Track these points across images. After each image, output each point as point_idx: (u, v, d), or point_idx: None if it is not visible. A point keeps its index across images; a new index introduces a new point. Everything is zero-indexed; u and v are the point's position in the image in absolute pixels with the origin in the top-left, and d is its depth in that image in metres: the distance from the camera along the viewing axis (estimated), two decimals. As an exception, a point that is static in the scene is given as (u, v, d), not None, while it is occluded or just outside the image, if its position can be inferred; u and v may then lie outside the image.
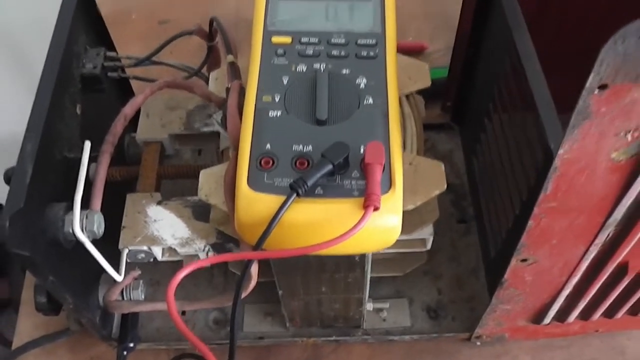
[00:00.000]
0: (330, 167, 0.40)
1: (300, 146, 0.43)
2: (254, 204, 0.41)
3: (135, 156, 0.64)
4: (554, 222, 0.43)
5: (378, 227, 0.41)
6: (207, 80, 0.60)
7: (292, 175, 0.41)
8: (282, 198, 0.40)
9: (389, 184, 0.42)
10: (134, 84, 0.68)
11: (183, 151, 0.75)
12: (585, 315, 0.60)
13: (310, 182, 0.40)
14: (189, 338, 0.41)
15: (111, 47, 0.64)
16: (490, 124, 0.63)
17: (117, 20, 0.92)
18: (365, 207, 0.39)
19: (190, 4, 0.97)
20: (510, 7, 0.54)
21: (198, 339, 0.41)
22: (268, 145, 0.43)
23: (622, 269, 0.51)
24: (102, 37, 0.62)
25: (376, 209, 0.39)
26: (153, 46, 0.62)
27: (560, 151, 0.36)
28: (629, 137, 0.36)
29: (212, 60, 0.63)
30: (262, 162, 0.42)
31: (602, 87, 0.32)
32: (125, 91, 0.67)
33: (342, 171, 0.41)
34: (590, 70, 0.31)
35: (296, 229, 0.41)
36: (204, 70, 0.64)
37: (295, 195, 0.39)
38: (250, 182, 0.41)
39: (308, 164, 0.42)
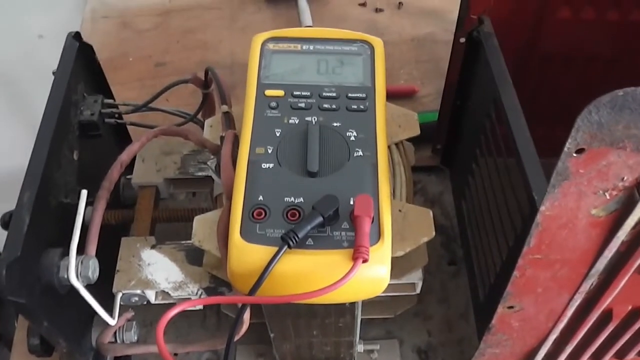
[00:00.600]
0: (320, 219, 0.42)
1: (292, 198, 0.44)
2: (247, 254, 0.42)
3: (130, 198, 0.66)
4: (538, 272, 0.45)
5: (366, 277, 0.42)
6: (202, 125, 0.62)
7: (283, 226, 0.42)
8: (274, 249, 0.41)
9: (377, 235, 0.43)
10: (131, 128, 0.70)
11: (177, 194, 0.76)
12: (573, 358, 0.61)
13: (301, 234, 0.41)
14: None
15: (109, 93, 0.66)
16: (477, 168, 0.65)
17: (115, 63, 0.94)
18: (354, 259, 0.40)
19: (186, 48, 0.99)
20: (496, 63, 0.56)
21: None
22: (261, 197, 0.44)
23: (607, 315, 0.52)
24: (100, 84, 0.64)
25: (365, 260, 0.40)
26: (150, 87, 0.64)
27: (542, 208, 0.38)
28: (607, 195, 0.37)
29: (207, 106, 0.65)
30: (255, 214, 0.43)
31: (579, 151, 0.34)
32: (122, 136, 0.69)
33: (332, 223, 0.43)
34: (569, 128, 0.33)
35: (287, 279, 0.42)
36: (200, 116, 0.65)
37: (286, 247, 0.41)
38: (243, 233, 0.43)
39: (299, 215, 0.43)
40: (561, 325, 0.53)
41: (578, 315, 0.52)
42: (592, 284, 0.47)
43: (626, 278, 0.46)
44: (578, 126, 0.32)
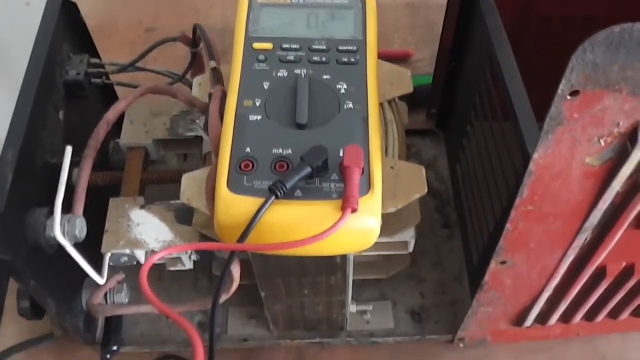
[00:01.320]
0: (309, 170, 0.41)
1: (280, 149, 0.43)
2: (234, 206, 0.41)
3: (120, 162, 0.64)
4: (531, 226, 0.44)
5: (356, 228, 0.41)
6: (191, 86, 0.61)
7: (271, 178, 0.42)
8: (261, 200, 0.40)
9: (367, 186, 0.42)
10: (118, 90, 0.68)
11: (168, 157, 0.75)
12: (566, 318, 0.60)
13: (288, 185, 0.40)
14: (170, 315, 0.40)
15: (95, 54, 0.64)
16: (472, 130, 0.64)
17: (104, 29, 0.93)
18: (343, 208, 0.39)
19: (176, 13, 0.97)
20: (492, 19, 0.55)
21: (164, 306, 0.41)
22: (248, 149, 0.43)
23: (600, 272, 0.52)
24: (85, 44, 0.63)
25: (354, 210, 0.40)
26: (139, 52, 0.62)
27: (535, 156, 0.37)
28: (602, 142, 0.37)
29: (195, 66, 0.64)
30: (242, 166, 0.42)
31: (574, 93, 0.33)
32: (109, 98, 0.68)
33: (321, 174, 0.42)
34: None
35: (275, 230, 0.41)
36: (188, 76, 0.64)
37: (273, 197, 0.40)
38: (230, 185, 0.42)
39: (287, 166, 0.42)
40: (554, 283, 0.53)
41: (571, 272, 0.52)
42: (585, 239, 0.47)
43: (620, 232, 0.45)
44: (572, 66, 0.31)
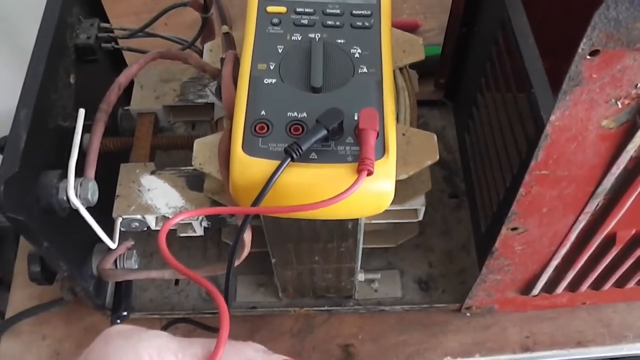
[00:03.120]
0: (324, 132, 0.41)
1: (295, 112, 0.43)
2: (249, 168, 0.41)
3: (129, 129, 0.64)
4: (544, 190, 0.44)
5: (371, 191, 0.41)
6: (201, 53, 0.61)
7: (286, 140, 0.42)
8: (277, 162, 0.40)
9: (382, 150, 0.42)
10: (128, 55, 0.68)
11: (177, 125, 0.75)
12: (573, 286, 0.61)
13: (304, 147, 0.40)
14: (179, 268, 0.40)
15: (105, 18, 0.64)
16: (482, 99, 0.64)
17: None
18: (359, 171, 0.39)
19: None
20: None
21: (188, 269, 0.41)
22: (263, 112, 0.43)
23: (610, 240, 0.52)
24: (95, 8, 0.62)
25: (370, 173, 0.40)
26: (147, 20, 0.62)
27: (552, 118, 0.37)
28: (620, 104, 0.36)
29: (206, 32, 0.63)
30: (257, 128, 0.42)
31: (594, 52, 0.33)
32: (118, 63, 0.67)
33: (336, 137, 0.42)
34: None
35: (290, 193, 0.41)
36: (198, 43, 0.64)
37: (289, 159, 0.40)
38: (245, 147, 0.42)
39: (302, 129, 0.42)
40: (564, 250, 0.53)
41: (581, 239, 0.52)
42: (597, 204, 0.47)
43: (632, 198, 0.45)
44: (594, 23, 0.31)
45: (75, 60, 0.57)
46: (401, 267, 0.68)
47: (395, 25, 0.52)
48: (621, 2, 0.30)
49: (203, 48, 0.59)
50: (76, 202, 0.47)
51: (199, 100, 0.62)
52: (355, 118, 0.43)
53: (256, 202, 0.39)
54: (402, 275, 0.68)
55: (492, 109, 0.60)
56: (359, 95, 0.44)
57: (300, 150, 0.40)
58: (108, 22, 0.64)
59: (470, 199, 0.72)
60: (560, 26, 0.69)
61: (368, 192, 0.41)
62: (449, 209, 0.73)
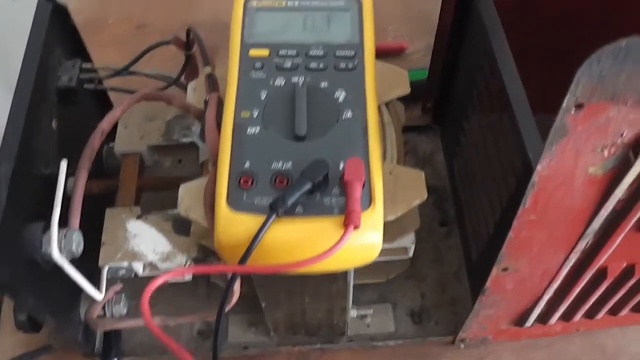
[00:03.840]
0: (309, 185, 0.40)
1: (280, 163, 0.42)
2: (234, 224, 0.41)
3: (114, 167, 0.64)
4: (534, 234, 0.44)
5: (359, 244, 0.41)
6: (185, 89, 0.60)
7: (271, 193, 0.41)
8: (262, 218, 0.39)
9: (369, 200, 0.42)
10: (112, 94, 0.67)
11: (163, 161, 0.74)
12: (567, 317, 0.60)
13: (289, 202, 0.39)
14: (170, 346, 0.40)
15: (87, 58, 0.63)
16: (469, 126, 0.63)
17: (94, 26, 0.91)
18: (346, 225, 0.39)
19: (167, 8, 0.96)
20: (487, 10, 0.54)
21: (177, 346, 0.40)
22: (247, 164, 0.42)
23: (601, 273, 0.52)
24: (77, 48, 0.61)
25: (356, 227, 0.39)
26: (130, 50, 0.61)
27: (538, 167, 0.37)
28: (606, 152, 0.36)
29: (190, 69, 0.62)
30: (242, 181, 0.42)
31: (579, 106, 0.32)
32: (102, 102, 0.67)
33: (321, 188, 0.41)
34: (569, 73, 0.32)
35: (277, 248, 0.41)
36: (182, 79, 0.63)
37: (275, 215, 0.39)
38: (230, 202, 0.41)
39: (287, 181, 0.42)
40: (555, 285, 0.53)
41: (573, 274, 0.51)
42: (587, 243, 0.46)
43: (622, 236, 0.45)
44: (578, 79, 0.31)
45: (58, 103, 0.56)
46: (393, 299, 0.68)
47: (380, 48, 0.52)
48: (605, 57, 0.30)
49: (187, 84, 0.59)
50: (60, 260, 0.46)
51: (184, 139, 0.62)
52: (341, 167, 0.42)
53: (243, 260, 0.39)
54: (395, 308, 0.67)
55: (479, 136, 0.59)
56: (344, 143, 0.44)
57: (285, 205, 0.39)
58: (90, 61, 0.63)
59: (460, 225, 0.71)
60: (541, 51, 0.70)
61: (355, 245, 0.41)
62: (440, 237, 0.72)
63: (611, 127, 0.34)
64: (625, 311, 0.60)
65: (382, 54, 0.56)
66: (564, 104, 0.32)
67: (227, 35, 0.51)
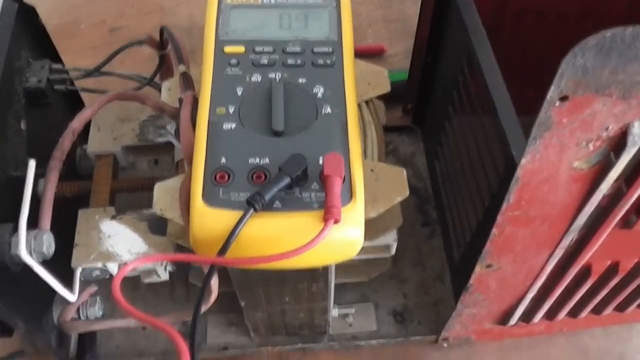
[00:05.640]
0: (288, 180, 0.39)
1: (257, 159, 0.41)
2: (210, 220, 0.39)
3: (88, 169, 0.62)
4: (518, 230, 0.43)
5: (339, 239, 0.40)
6: (159, 90, 0.58)
7: (248, 189, 0.40)
8: (239, 213, 0.38)
9: (349, 195, 0.40)
10: (85, 96, 0.66)
11: (139, 162, 0.72)
12: (550, 315, 0.60)
13: (267, 197, 0.38)
14: (151, 322, 0.39)
15: (57, 58, 0.61)
16: (450, 127, 0.63)
17: (67, 30, 0.90)
18: (325, 220, 0.38)
19: (141, 11, 0.94)
20: (468, 13, 0.53)
21: (149, 316, 0.39)
22: (223, 159, 0.41)
23: (585, 271, 0.51)
24: (46, 49, 0.60)
25: (336, 221, 0.38)
26: (104, 55, 0.60)
27: (523, 161, 0.36)
28: (591, 146, 0.36)
29: (164, 69, 0.61)
30: (217, 177, 0.40)
31: (563, 99, 0.32)
32: (74, 104, 0.65)
33: (300, 183, 0.40)
34: (550, 76, 0.31)
35: (255, 244, 0.39)
36: (157, 79, 0.62)
37: (252, 210, 0.38)
38: (205, 198, 0.40)
39: (265, 177, 0.40)
40: (539, 283, 0.52)
41: (557, 272, 0.51)
42: (571, 240, 0.46)
43: (606, 233, 0.44)
44: (562, 72, 0.30)
45: (26, 105, 0.54)
46: (375, 299, 0.67)
47: (360, 50, 0.51)
48: (588, 50, 0.29)
49: (161, 84, 0.57)
50: (28, 260, 0.44)
51: (159, 140, 0.60)
52: (320, 162, 0.41)
53: (220, 255, 0.37)
54: (377, 307, 0.66)
55: (461, 137, 0.59)
56: (323, 138, 0.43)
57: (263, 201, 0.38)
58: (60, 62, 0.61)
59: (442, 226, 0.70)
60: (523, 51, 0.69)
61: (335, 240, 0.39)
62: (422, 238, 0.71)
63: (596, 120, 0.34)
64: (608, 310, 0.60)
65: (361, 55, 0.55)
66: (548, 97, 0.31)
67: (202, 38, 0.50)
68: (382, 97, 0.58)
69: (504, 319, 0.60)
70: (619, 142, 0.35)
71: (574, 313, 0.60)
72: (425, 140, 0.78)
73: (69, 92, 0.60)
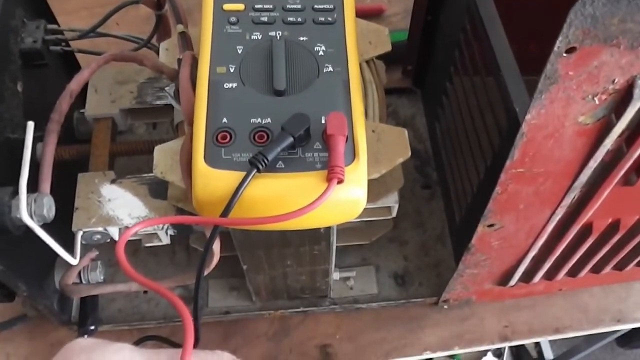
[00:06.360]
0: (290, 140, 0.39)
1: (259, 119, 0.41)
2: (212, 181, 0.39)
3: (86, 133, 0.61)
4: (521, 187, 0.43)
5: (342, 199, 0.40)
6: (157, 51, 0.58)
7: (251, 149, 0.39)
8: (242, 174, 0.38)
9: (352, 155, 0.40)
10: (81, 57, 0.65)
11: (137, 126, 0.72)
12: (550, 275, 0.60)
13: (270, 157, 0.38)
14: (153, 287, 0.39)
15: (52, 19, 0.60)
16: (452, 87, 0.62)
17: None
18: (329, 180, 0.38)
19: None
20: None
21: (151, 281, 0.39)
22: (224, 119, 0.41)
23: (586, 230, 0.51)
24: (41, 8, 0.59)
25: (340, 181, 0.38)
26: (100, 15, 0.58)
27: (528, 117, 0.35)
28: (596, 100, 0.35)
29: (161, 30, 0.60)
30: (219, 137, 0.40)
31: (570, 50, 0.31)
32: (70, 66, 0.64)
33: (303, 143, 0.40)
34: (554, 33, 0.30)
35: (258, 205, 0.39)
36: (154, 40, 0.61)
37: (255, 170, 0.38)
38: (207, 159, 0.39)
39: (267, 137, 0.40)
40: (541, 242, 0.52)
41: (558, 230, 0.51)
42: (574, 197, 0.46)
43: (609, 190, 0.44)
44: (570, 21, 0.29)
45: (22, 66, 0.53)
46: (376, 262, 0.67)
47: (359, 11, 0.50)
48: (598, -2, 0.29)
49: (159, 45, 0.56)
50: (29, 222, 0.44)
51: (158, 102, 0.59)
52: (323, 122, 0.40)
53: (224, 214, 0.37)
54: (378, 270, 0.66)
55: (462, 97, 0.58)
56: (326, 97, 0.42)
57: (266, 161, 0.38)
58: (56, 22, 0.60)
59: (443, 188, 0.70)
60: (527, 9, 0.68)
61: (339, 200, 0.39)
62: (422, 200, 0.71)
63: (603, 73, 0.33)
64: (607, 269, 0.60)
65: (359, 15, 0.54)
66: (556, 48, 0.31)
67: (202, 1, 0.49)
68: (381, 58, 0.57)
69: (505, 279, 0.60)
70: (625, 96, 0.35)
71: (573, 272, 0.60)
72: (425, 101, 0.77)
73: (64, 54, 0.59)
